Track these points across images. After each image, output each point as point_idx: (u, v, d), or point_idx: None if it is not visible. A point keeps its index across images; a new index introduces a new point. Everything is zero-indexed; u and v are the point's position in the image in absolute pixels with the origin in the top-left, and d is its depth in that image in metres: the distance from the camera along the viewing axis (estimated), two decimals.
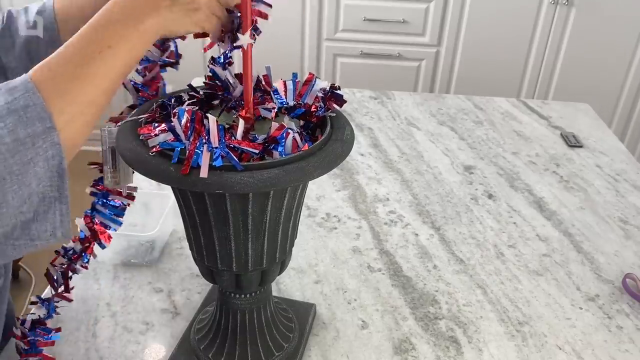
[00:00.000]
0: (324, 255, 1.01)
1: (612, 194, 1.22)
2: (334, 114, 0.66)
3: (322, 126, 0.66)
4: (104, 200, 0.71)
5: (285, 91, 0.65)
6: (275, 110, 0.64)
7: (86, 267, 0.73)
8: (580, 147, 1.40)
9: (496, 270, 0.98)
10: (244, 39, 0.61)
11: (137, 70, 0.68)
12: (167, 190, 0.94)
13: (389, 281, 0.95)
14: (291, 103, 0.65)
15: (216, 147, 0.54)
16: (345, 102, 0.66)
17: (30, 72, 0.50)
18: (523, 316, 0.89)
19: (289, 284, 0.94)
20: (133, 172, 0.70)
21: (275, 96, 0.65)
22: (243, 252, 0.66)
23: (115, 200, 0.71)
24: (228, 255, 0.66)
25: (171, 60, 0.70)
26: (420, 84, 2.44)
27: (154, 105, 0.66)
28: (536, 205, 1.17)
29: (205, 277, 0.72)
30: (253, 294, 0.73)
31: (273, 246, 0.67)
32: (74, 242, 0.72)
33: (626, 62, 2.28)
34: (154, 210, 1.01)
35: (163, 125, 0.60)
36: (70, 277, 0.74)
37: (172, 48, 0.69)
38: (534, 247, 1.05)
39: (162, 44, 0.68)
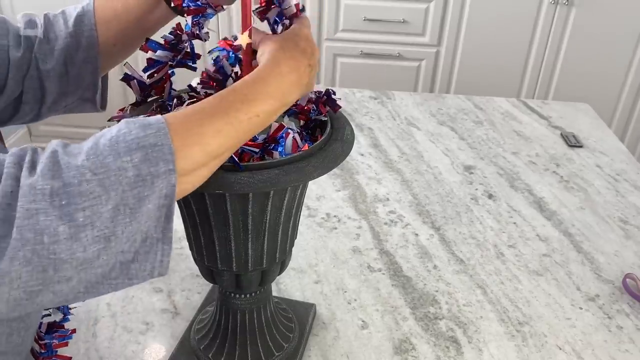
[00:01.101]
0: (324, 255, 1.01)
1: (612, 194, 1.22)
2: (326, 118, 0.66)
3: (322, 126, 0.66)
4: None
5: None
6: None
7: None
8: (580, 147, 1.40)
9: (496, 270, 0.98)
10: (243, 38, 0.61)
11: (144, 70, 0.67)
12: None
13: (389, 281, 0.95)
14: None
15: None
16: (339, 107, 0.66)
17: (167, 115, 0.51)
18: (523, 316, 0.89)
19: (289, 284, 0.94)
20: None
21: None
22: (243, 252, 0.66)
23: None
24: (228, 255, 0.66)
25: (187, 60, 0.68)
26: (420, 84, 2.44)
27: (154, 105, 0.66)
28: (536, 205, 1.17)
29: (205, 277, 0.72)
30: (253, 294, 0.73)
31: (273, 246, 0.67)
32: None
33: (626, 62, 2.28)
34: None
35: None
36: None
37: (188, 49, 0.68)
38: (534, 247, 1.05)
39: (176, 45, 0.67)
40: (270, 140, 0.60)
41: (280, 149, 0.59)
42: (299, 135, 0.62)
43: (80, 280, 0.46)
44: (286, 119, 0.65)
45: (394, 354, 0.82)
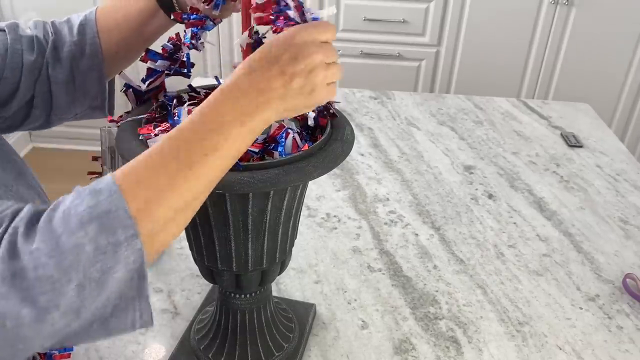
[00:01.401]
0: (324, 255, 1.01)
1: (612, 194, 1.22)
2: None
3: (322, 126, 0.66)
4: None
5: None
6: None
7: None
8: (580, 147, 1.40)
9: (496, 270, 0.98)
10: (243, 38, 0.61)
11: (142, 80, 0.67)
12: None
13: (389, 281, 0.95)
14: None
15: None
16: (336, 117, 0.66)
17: (117, 172, 0.47)
18: (523, 316, 0.89)
19: (289, 284, 0.94)
20: None
21: None
22: (243, 252, 0.66)
23: None
24: (228, 255, 0.66)
25: (182, 69, 0.68)
26: (420, 84, 2.44)
27: (154, 105, 0.66)
28: (536, 205, 1.17)
29: (205, 277, 0.72)
30: (253, 294, 0.73)
31: (273, 246, 0.67)
32: None
33: (626, 62, 2.28)
34: None
35: (164, 125, 0.60)
36: None
37: (184, 58, 0.68)
38: (534, 247, 1.05)
39: (172, 55, 0.67)
40: (270, 140, 0.60)
41: (280, 149, 0.59)
42: (299, 135, 0.62)
43: (56, 342, 0.45)
44: (286, 119, 0.65)
45: (394, 354, 0.82)
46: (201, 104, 0.51)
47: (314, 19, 0.55)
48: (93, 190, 0.45)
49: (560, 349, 0.84)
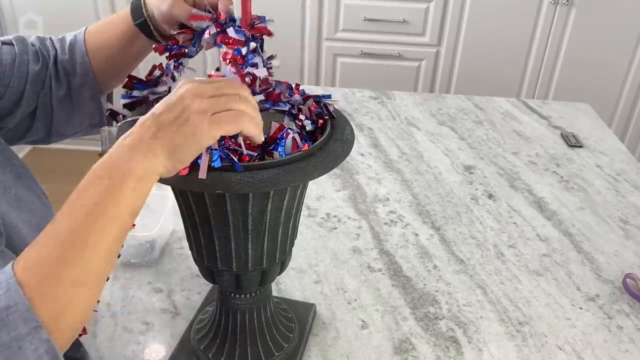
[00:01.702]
0: (324, 255, 1.01)
1: (612, 194, 1.22)
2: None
3: (322, 126, 0.66)
4: None
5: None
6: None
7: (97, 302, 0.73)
8: (580, 147, 1.40)
9: (496, 270, 0.98)
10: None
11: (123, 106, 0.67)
12: (167, 191, 0.94)
13: (389, 281, 0.95)
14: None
15: (215, 149, 0.54)
16: (334, 117, 0.66)
17: (16, 261, 0.46)
18: (523, 316, 0.89)
19: (289, 284, 0.94)
20: None
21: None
22: (243, 252, 0.66)
23: None
24: (228, 255, 0.66)
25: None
26: (420, 84, 2.44)
27: (145, 108, 0.66)
28: (536, 205, 1.17)
29: (205, 277, 0.72)
30: (253, 294, 0.73)
31: (273, 246, 0.67)
32: None
33: (626, 62, 2.28)
34: (153, 210, 1.01)
35: None
36: None
37: (166, 87, 0.67)
38: (534, 247, 1.05)
39: (156, 81, 0.68)
40: (270, 141, 0.60)
41: (280, 149, 0.59)
42: (299, 135, 0.62)
43: None
44: (286, 119, 0.65)
45: (394, 354, 0.82)
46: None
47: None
48: None
49: (560, 349, 0.84)
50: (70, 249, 0.45)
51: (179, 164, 0.51)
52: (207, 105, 0.50)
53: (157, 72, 0.68)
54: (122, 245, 0.50)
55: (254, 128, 0.53)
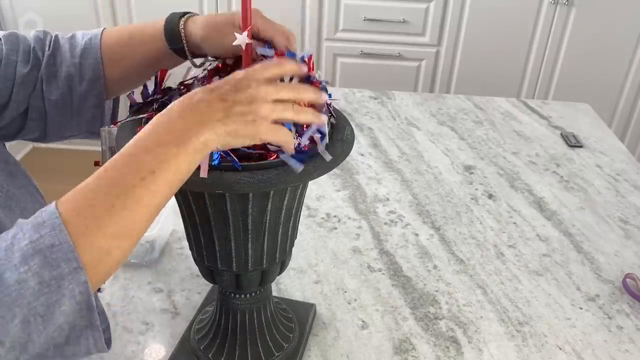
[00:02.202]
0: (324, 255, 1.01)
1: (612, 194, 1.22)
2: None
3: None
4: None
5: None
6: None
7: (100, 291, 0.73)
8: (580, 147, 1.40)
9: (496, 270, 0.98)
10: (241, 38, 0.61)
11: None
12: None
13: (389, 281, 0.95)
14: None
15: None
16: (333, 115, 0.66)
17: (60, 201, 0.47)
18: (523, 316, 0.89)
19: (289, 284, 0.94)
20: None
21: None
22: (243, 252, 0.65)
23: None
24: (228, 255, 0.66)
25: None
26: (420, 84, 2.44)
27: (155, 105, 0.66)
28: (536, 205, 1.17)
29: (205, 277, 0.72)
30: (253, 294, 0.73)
31: (273, 246, 0.67)
32: None
33: (626, 62, 2.28)
34: None
35: None
36: None
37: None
38: (534, 247, 1.05)
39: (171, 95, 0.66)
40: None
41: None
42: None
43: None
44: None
45: (394, 354, 0.82)
46: (141, 130, 0.51)
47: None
48: (36, 224, 0.45)
49: (560, 349, 0.84)
50: (122, 205, 0.47)
51: (228, 146, 0.53)
52: (273, 113, 0.53)
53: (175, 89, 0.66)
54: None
55: (291, 141, 0.56)
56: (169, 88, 0.67)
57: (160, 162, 0.48)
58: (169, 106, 0.52)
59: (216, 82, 0.53)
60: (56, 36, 0.72)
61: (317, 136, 0.58)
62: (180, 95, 0.65)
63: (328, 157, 0.57)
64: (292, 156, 0.55)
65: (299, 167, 0.55)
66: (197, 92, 0.52)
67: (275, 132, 0.53)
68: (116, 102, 0.76)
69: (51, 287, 0.44)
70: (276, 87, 0.53)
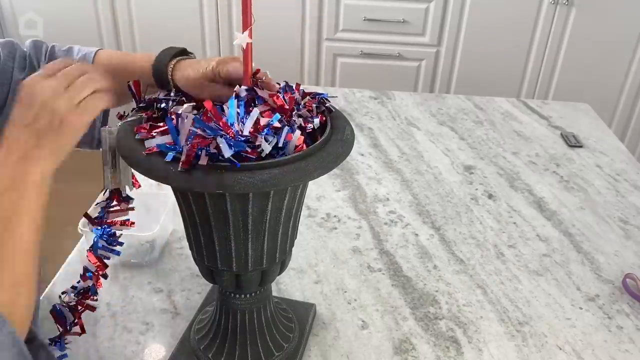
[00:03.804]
0: (324, 255, 1.01)
1: (612, 194, 1.22)
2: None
3: (322, 126, 0.66)
4: (102, 234, 0.70)
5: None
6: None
7: (96, 299, 0.73)
8: (580, 147, 1.40)
9: (496, 270, 0.98)
10: (242, 38, 0.61)
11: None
12: (167, 190, 0.94)
13: (389, 281, 0.95)
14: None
15: (231, 138, 0.54)
16: (331, 111, 0.66)
17: None
18: (523, 316, 0.89)
19: (289, 284, 0.94)
20: (133, 175, 0.70)
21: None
22: (243, 252, 0.66)
23: (113, 224, 0.70)
24: (228, 255, 0.66)
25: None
26: (420, 84, 2.44)
27: (155, 105, 0.66)
28: (536, 205, 1.17)
29: (205, 277, 0.72)
30: (253, 294, 0.73)
31: (273, 246, 0.67)
32: (84, 281, 0.71)
33: (626, 62, 2.28)
34: (154, 210, 1.01)
35: (162, 125, 0.60)
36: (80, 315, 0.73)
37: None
38: (534, 247, 1.05)
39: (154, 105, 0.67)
40: None
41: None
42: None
43: None
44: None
45: (394, 354, 0.82)
46: None
47: None
48: None
49: (560, 349, 0.84)
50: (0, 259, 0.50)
51: (65, 156, 0.55)
52: (70, 100, 0.54)
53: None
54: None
55: (113, 99, 0.58)
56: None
57: (8, 207, 0.51)
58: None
59: (13, 111, 0.54)
60: (52, 47, 0.74)
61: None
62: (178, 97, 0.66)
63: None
64: (229, 143, 0.55)
65: (229, 152, 0.55)
66: (8, 128, 0.53)
67: (84, 112, 0.55)
68: (105, 115, 0.77)
69: None
70: (56, 78, 0.54)
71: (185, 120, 0.56)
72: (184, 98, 0.67)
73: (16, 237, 0.51)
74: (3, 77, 0.69)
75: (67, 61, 0.58)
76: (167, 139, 0.57)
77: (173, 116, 0.59)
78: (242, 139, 0.56)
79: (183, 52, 0.71)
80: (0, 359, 0.47)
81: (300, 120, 0.62)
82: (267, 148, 0.56)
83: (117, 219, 0.70)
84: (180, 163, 0.54)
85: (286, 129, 0.58)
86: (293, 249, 0.73)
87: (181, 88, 0.68)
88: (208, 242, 0.66)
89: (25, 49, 0.72)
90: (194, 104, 0.64)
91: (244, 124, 0.57)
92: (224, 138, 0.54)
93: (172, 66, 0.68)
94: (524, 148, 1.39)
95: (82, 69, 0.57)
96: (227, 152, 0.54)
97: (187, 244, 0.72)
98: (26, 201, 0.52)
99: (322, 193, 1.18)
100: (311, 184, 1.18)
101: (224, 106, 0.59)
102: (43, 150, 0.53)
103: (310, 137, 0.65)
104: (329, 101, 0.67)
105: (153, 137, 0.58)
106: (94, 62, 0.73)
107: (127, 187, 0.70)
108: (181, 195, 0.64)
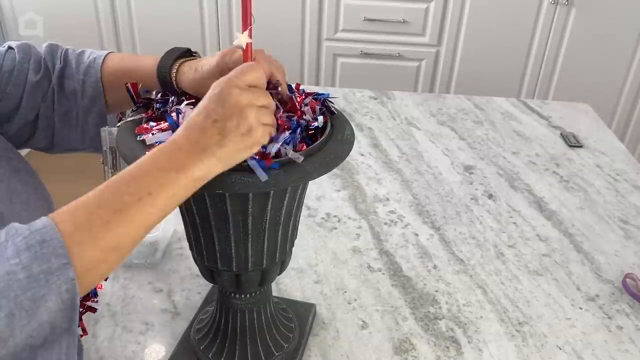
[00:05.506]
0: (324, 255, 1.01)
1: (612, 194, 1.22)
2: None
3: (322, 126, 0.66)
4: None
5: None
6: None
7: (97, 301, 0.73)
8: (580, 147, 1.40)
9: (496, 270, 0.98)
10: (242, 38, 0.61)
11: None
12: None
13: (389, 281, 0.95)
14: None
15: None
16: (334, 114, 0.66)
17: (57, 212, 0.49)
18: (523, 316, 0.89)
19: (289, 284, 0.94)
20: None
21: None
22: (243, 252, 0.66)
23: None
24: (228, 255, 0.66)
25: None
26: (420, 84, 2.44)
27: (155, 105, 0.66)
28: (536, 205, 1.17)
29: (205, 277, 0.72)
30: (253, 294, 0.73)
31: (273, 246, 0.67)
32: None
33: (626, 62, 2.28)
34: None
35: (162, 124, 0.60)
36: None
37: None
38: (534, 247, 1.05)
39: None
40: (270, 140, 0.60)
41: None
42: (300, 135, 0.62)
43: None
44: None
45: (394, 354, 0.82)
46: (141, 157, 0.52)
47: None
48: (30, 225, 0.47)
49: (560, 349, 0.84)
50: (117, 222, 0.49)
51: (231, 165, 0.55)
52: (258, 117, 0.54)
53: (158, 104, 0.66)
54: None
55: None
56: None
57: (158, 185, 0.51)
58: (171, 138, 0.53)
59: (205, 99, 0.54)
60: (66, 50, 0.75)
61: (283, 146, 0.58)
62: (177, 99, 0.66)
63: (300, 158, 0.57)
64: (261, 165, 0.55)
65: (264, 177, 0.55)
66: (194, 117, 0.54)
67: (265, 134, 0.55)
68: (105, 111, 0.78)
69: (39, 282, 0.45)
70: (254, 92, 0.55)
71: (186, 116, 0.56)
72: (183, 98, 0.67)
73: (143, 213, 0.50)
74: (18, 78, 0.70)
75: (255, 69, 0.57)
76: (167, 135, 0.57)
77: (173, 113, 0.59)
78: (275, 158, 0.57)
79: (187, 52, 0.71)
80: (47, 302, 0.45)
81: (304, 121, 0.62)
82: (274, 149, 0.57)
83: None
84: None
85: (298, 134, 0.59)
86: (293, 249, 0.73)
87: (187, 91, 0.67)
88: (208, 242, 0.66)
89: (41, 52, 0.73)
90: (193, 101, 0.64)
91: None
92: (255, 160, 0.55)
93: (175, 70, 0.68)
94: (524, 148, 1.39)
95: (268, 96, 0.57)
96: (263, 177, 0.54)
97: (187, 244, 0.72)
98: (176, 189, 0.52)
99: (322, 193, 1.18)
100: (311, 184, 1.18)
101: None
102: (223, 150, 0.53)
103: (310, 137, 0.65)
104: (332, 102, 0.67)
105: (153, 134, 0.58)
106: (103, 65, 0.73)
107: None
108: None
